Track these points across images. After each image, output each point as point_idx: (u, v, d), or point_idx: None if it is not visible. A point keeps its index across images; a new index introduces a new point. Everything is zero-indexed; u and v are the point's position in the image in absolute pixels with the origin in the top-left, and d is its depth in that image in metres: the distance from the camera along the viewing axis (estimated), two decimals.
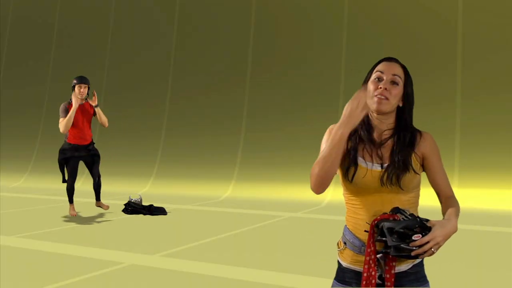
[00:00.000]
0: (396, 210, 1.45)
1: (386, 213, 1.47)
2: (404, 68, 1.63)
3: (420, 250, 1.38)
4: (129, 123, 11.32)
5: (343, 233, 1.64)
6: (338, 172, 1.63)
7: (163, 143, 10.85)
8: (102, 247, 4.84)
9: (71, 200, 6.80)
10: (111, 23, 12.30)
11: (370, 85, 1.59)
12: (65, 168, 6.78)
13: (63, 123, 6.57)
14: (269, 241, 5.20)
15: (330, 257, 4.31)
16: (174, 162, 10.42)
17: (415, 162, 1.56)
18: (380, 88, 1.56)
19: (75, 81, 6.75)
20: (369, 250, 1.48)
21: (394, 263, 1.49)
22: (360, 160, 1.58)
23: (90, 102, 6.80)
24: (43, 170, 11.89)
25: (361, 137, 1.61)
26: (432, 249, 1.38)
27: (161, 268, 4.05)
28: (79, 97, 6.66)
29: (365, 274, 1.48)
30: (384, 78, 1.58)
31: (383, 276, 1.51)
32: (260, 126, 9.84)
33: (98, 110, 6.83)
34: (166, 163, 10.60)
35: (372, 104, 1.56)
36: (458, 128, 8.10)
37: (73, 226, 6.05)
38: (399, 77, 1.59)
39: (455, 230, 1.43)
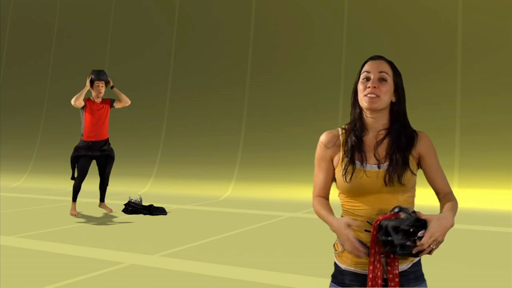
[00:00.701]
0: (399, 209, 1.45)
1: (387, 213, 1.47)
2: (390, 63, 1.64)
3: (421, 248, 1.38)
4: (129, 123, 11.32)
5: None
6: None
7: (163, 143, 10.86)
8: (102, 247, 4.84)
9: (74, 199, 6.73)
10: (111, 23, 12.30)
11: (360, 86, 1.62)
12: (76, 166, 6.71)
13: (74, 98, 6.58)
14: (269, 241, 5.20)
15: (330, 257, 4.31)
16: (174, 162, 10.42)
17: (412, 162, 1.57)
18: (369, 87, 1.57)
19: (92, 81, 6.68)
20: (373, 251, 1.48)
21: (397, 263, 1.49)
22: (357, 163, 1.58)
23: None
24: (43, 170, 11.90)
25: (357, 138, 1.61)
26: (432, 246, 1.38)
27: (161, 268, 4.05)
28: (99, 94, 6.65)
29: (370, 275, 1.47)
30: (372, 77, 1.59)
31: (385, 276, 1.51)
32: (260, 126, 9.84)
33: (116, 91, 6.80)
34: (166, 163, 10.60)
35: (364, 103, 1.58)
36: (458, 128, 8.10)
37: (73, 226, 6.05)
38: (386, 73, 1.59)
39: (451, 224, 1.43)
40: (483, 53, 8.11)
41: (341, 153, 1.63)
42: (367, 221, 1.53)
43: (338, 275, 1.64)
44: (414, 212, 1.44)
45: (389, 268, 1.49)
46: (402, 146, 1.57)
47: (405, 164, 1.55)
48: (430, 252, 1.41)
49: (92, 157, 6.71)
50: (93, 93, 6.72)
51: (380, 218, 1.46)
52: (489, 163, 7.67)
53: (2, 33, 14.45)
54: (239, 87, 10.23)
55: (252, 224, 6.25)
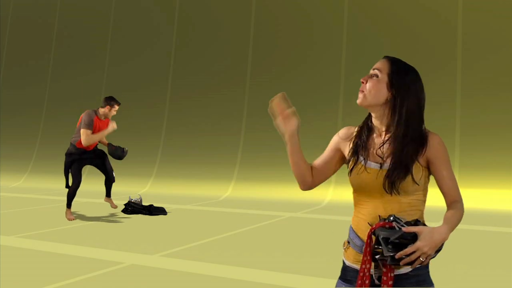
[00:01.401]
0: (393, 218, 1.44)
1: (383, 220, 1.46)
2: (393, 62, 1.60)
3: (407, 260, 1.37)
4: (129, 123, 11.32)
5: (348, 232, 1.65)
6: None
7: (163, 143, 10.86)
8: (102, 247, 4.84)
9: (69, 205, 6.59)
10: (111, 23, 12.30)
11: None
12: (70, 173, 6.70)
13: (89, 138, 6.40)
14: (269, 241, 5.20)
15: (330, 257, 4.32)
16: (174, 162, 10.42)
17: (417, 170, 1.52)
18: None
19: (113, 102, 6.71)
20: (365, 258, 1.48)
21: (393, 266, 1.48)
22: (360, 157, 1.59)
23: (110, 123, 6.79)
24: (43, 170, 11.90)
25: (363, 135, 1.62)
26: (421, 258, 1.37)
27: (161, 268, 4.05)
28: (109, 114, 6.71)
29: (359, 282, 1.49)
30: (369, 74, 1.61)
31: (385, 278, 1.50)
32: (260, 126, 9.83)
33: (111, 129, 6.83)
34: (166, 163, 10.60)
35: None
36: (458, 128, 8.10)
37: (73, 226, 6.05)
38: (378, 70, 1.58)
39: (443, 238, 1.40)
40: (483, 53, 8.11)
41: (350, 146, 1.65)
42: (368, 223, 1.53)
43: (343, 271, 1.65)
44: (407, 223, 1.43)
45: (384, 270, 1.49)
46: (406, 151, 1.51)
47: (406, 172, 1.50)
48: (421, 264, 1.40)
49: (86, 160, 6.74)
50: (107, 113, 6.71)
51: (374, 226, 1.45)
52: (489, 163, 7.67)
53: (2, 33, 14.45)
54: (239, 87, 10.23)
55: (252, 224, 6.25)
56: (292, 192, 8.63)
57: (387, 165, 1.54)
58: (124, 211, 7.12)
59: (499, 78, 7.92)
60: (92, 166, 7.01)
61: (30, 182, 11.64)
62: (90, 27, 12.63)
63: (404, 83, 1.57)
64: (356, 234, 1.59)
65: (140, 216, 6.93)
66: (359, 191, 1.60)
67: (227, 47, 10.54)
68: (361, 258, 1.54)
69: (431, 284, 1.56)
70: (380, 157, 1.56)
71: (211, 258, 4.38)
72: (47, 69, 13.27)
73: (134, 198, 7.23)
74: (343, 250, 1.66)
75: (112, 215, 7.05)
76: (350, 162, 1.61)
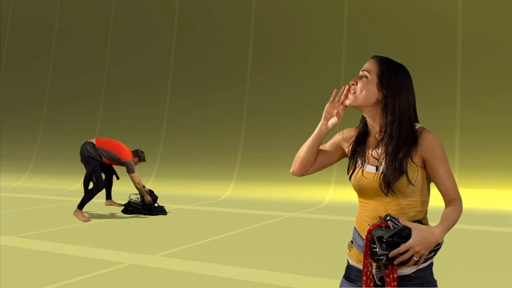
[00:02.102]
0: (388, 217, 1.44)
1: (381, 220, 1.47)
2: (381, 61, 1.59)
3: (400, 259, 1.37)
4: (129, 123, 11.33)
5: (353, 232, 1.66)
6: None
7: (163, 143, 10.86)
8: (102, 247, 4.84)
9: (83, 207, 6.57)
10: (111, 23, 12.30)
11: None
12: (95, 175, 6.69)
13: (140, 185, 6.89)
14: (269, 241, 5.20)
15: (330, 257, 4.32)
16: (174, 162, 10.43)
17: (412, 169, 1.50)
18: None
19: (143, 155, 7.14)
20: (366, 261, 1.48)
21: (395, 267, 1.49)
22: (358, 161, 1.60)
23: None
24: (43, 170, 11.90)
25: (360, 138, 1.63)
26: (414, 258, 1.37)
27: (161, 268, 4.05)
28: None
29: (364, 285, 1.49)
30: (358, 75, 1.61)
31: (387, 279, 1.51)
32: (260, 126, 9.84)
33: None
34: (166, 163, 10.61)
35: None
36: (458, 128, 8.10)
37: (73, 226, 6.05)
38: (367, 70, 1.57)
39: (436, 238, 1.38)
40: (483, 53, 8.11)
41: (349, 149, 1.67)
42: (368, 224, 1.55)
43: (347, 270, 1.67)
44: (402, 221, 1.43)
45: (387, 271, 1.49)
46: (399, 151, 1.50)
47: (400, 172, 1.49)
48: (415, 263, 1.40)
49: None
50: (135, 163, 6.98)
51: (371, 227, 1.46)
52: (489, 163, 7.67)
53: (2, 33, 14.45)
54: (239, 87, 10.23)
55: (252, 224, 6.25)
56: (292, 192, 8.64)
57: (382, 168, 1.54)
58: (124, 211, 7.13)
59: (499, 78, 7.93)
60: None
61: (30, 182, 11.64)
62: (90, 27, 12.64)
63: (394, 82, 1.55)
64: (359, 234, 1.60)
65: (140, 216, 6.93)
66: (360, 194, 1.61)
67: (227, 47, 10.54)
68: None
69: (435, 285, 1.56)
70: (376, 159, 1.56)
71: (211, 258, 4.38)
72: (47, 69, 13.27)
73: (134, 198, 7.23)
74: (348, 249, 1.67)
75: (112, 215, 7.05)
76: (350, 167, 1.62)
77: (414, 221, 1.46)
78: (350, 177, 1.62)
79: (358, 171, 1.59)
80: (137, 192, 7.04)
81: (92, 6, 12.70)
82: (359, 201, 1.64)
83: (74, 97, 12.51)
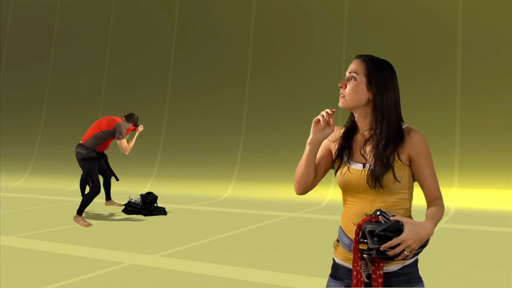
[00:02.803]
0: (379, 212, 1.45)
1: (370, 215, 1.47)
2: (367, 60, 1.60)
3: (391, 253, 1.37)
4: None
5: (338, 231, 1.67)
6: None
7: (163, 143, 10.86)
8: (102, 247, 4.84)
9: (82, 212, 6.27)
10: (111, 23, 12.30)
11: None
12: (92, 178, 6.51)
13: (128, 148, 6.50)
14: (269, 241, 5.20)
15: (330, 257, 4.31)
16: (174, 162, 10.42)
17: (398, 165, 1.52)
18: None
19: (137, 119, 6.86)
20: (355, 256, 1.49)
21: (381, 264, 1.49)
22: (344, 158, 1.62)
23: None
24: (43, 170, 11.90)
25: (347, 136, 1.65)
26: (405, 252, 1.37)
27: (161, 268, 4.05)
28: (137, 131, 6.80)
29: (354, 281, 1.49)
30: (345, 77, 1.62)
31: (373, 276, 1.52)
32: (260, 126, 9.84)
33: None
34: (166, 163, 10.60)
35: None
36: (458, 128, 8.10)
37: (73, 226, 6.05)
38: (355, 72, 1.59)
39: (428, 233, 1.40)
40: (483, 53, 8.11)
41: (335, 147, 1.68)
42: (353, 223, 1.55)
43: (333, 268, 1.68)
44: (393, 216, 1.43)
45: (373, 268, 1.50)
46: (387, 147, 1.52)
47: (387, 167, 1.50)
48: (404, 258, 1.39)
49: (99, 163, 6.67)
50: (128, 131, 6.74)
51: (361, 221, 1.46)
52: (489, 163, 7.67)
53: (2, 33, 14.45)
54: (239, 87, 10.23)
55: (252, 224, 6.25)
56: (292, 192, 8.63)
57: (369, 165, 1.55)
58: (124, 211, 7.13)
59: (499, 78, 7.92)
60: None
61: (30, 182, 11.64)
62: (90, 27, 12.64)
63: (382, 81, 1.57)
64: (345, 233, 1.61)
65: (140, 216, 6.93)
66: (345, 191, 1.62)
67: (227, 47, 10.54)
68: (350, 256, 1.56)
69: (421, 281, 1.57)
70: (364, 157, 1.57)
71: (211, 258, 4.38)
72: (47, 69, 13.27)
73: (134, 198, 7.23)
74: (333, 248, 1.68)
75: (112, 215, 7.05)
76: (336, 163, 1.64)
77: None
78: (335, 173, 1.63)
79: (344, 168, 1.60)
80: (137, 192, 7.02)
81: (92, 6, 12.70)
82: (344, 199, 1.65)
83: (74, 97, 12.51)
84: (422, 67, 8.37)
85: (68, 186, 10.78)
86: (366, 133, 1.60)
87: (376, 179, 1.50)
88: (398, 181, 1.51)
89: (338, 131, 1.70)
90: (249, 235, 5.52)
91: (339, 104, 1.61)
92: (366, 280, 1.51)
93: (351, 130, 1.65)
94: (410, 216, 1.57)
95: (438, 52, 8.45)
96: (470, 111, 8.05)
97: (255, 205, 8.02)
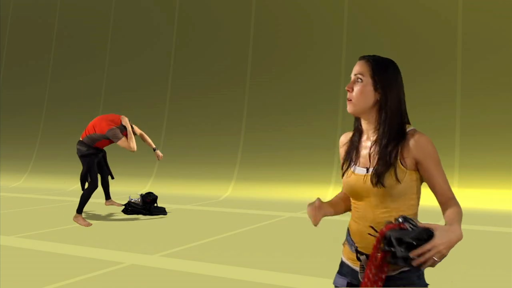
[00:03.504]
0: (403, 219, 1.38)
1: (392, 222, 1.40)
2: (371, 61, 1.56)
3: (422, 259, 1.30)
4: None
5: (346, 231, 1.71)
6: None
7: (163, 143, 10.85)
8: (102, 247, 4.84)
9: (82, 210, 6.31)
10: (111, 23, 12.30)
11: None
12: (91, 174, 6.50)
13: (131, 145, 6.40)
14: (269, 241, 5.20)
15: (330, 257, 4.31)
16: (174, 162, 10.42)
17: (400, 170, 1.49)
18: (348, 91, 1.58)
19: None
20: (372, 265, 1.44)
21: (386, 268, 1.45)
22: (349, 163, 1.62)
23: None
24: (43, 170, 11.90)
25: (353, 140, 1.64)
26: (434, 258, 1.31)
27: (161, 268, 4.05)
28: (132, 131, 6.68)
29: (366, 282, 1.47)
30: (351, 80, 1.59)
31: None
32: (260, 126, 9.84)
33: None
34: (166, 163, 10.59)
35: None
36: (458, 128, 8.10)
37: (73, 226, 6.05)
38: (360, 74, 1.55)
39: (459, 238, 1.35)
40: (483, 53, 8.11)
41: (342, 152, 1.70)
42: (371, 226, 1.51)
43: (340, 266, 1.70)
44: (418, 222, 1.37)
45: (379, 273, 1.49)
46: (387, 145, 1.50)
47: (388, 165, 1.48)
48: (432, 265, 1.32)
49: (99, 159, 6.65)
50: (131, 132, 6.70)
51: (384, 228, 1.40)
52: (489, 163, 7.67)
53: (2, 33, 14.45)
54: (239, 87, 10.23)
55: (252, 224, 6.25)
56: (292, 192, 8.64)
57: (373, 168, 1.53)
58: (124, 211, 7.13)
59: (499, 78, 7.92)
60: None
61: (30, 182, 11.64)
62: (90, 27, 12.64)
63: (387, 80, 1.54)
64: (349, 235, 1.63)
65: (140, 216, 6.93)
66: (350, 195, 1.63)
67: (227, 47, 10.54)
68: (353, 256, 1.58)
69: (424, 285, 1.55)
70: (367, 160, 1.56)
71: (211, 258, 4.38)
72: (47, 69, 13.27)
73: (134, 198, 7.23)
74: (342, 245, 1.71)
75: (112, 215, 7.05)
76: (342, 168, 1.65)
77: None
78: (342, 177, 1.65)
79: (349, 172, 1.60)
80: (137, 192, 7.01)
81: (92, 6, 12.70)
82: (351, 202, 1.65)
83: (74, 97, 12.51)
84: (422, 67, 8.36)
85: (68, 186, 10.78)
86: (371, 136, 1.58)
87: (378, 177, 1.48)
88: (399, 181, 1.48)
89: (347, 136, 1.71)
90: (249, 235, 5.51)
91: (348, 109, 1.58)
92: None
93: (358, 134, 1.64)
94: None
95: (438, 52, 8.45)
96: (470, 111, 8.05)
97: (255, 205, 8.02)
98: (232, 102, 10.24)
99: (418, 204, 1.56)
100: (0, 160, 12.97)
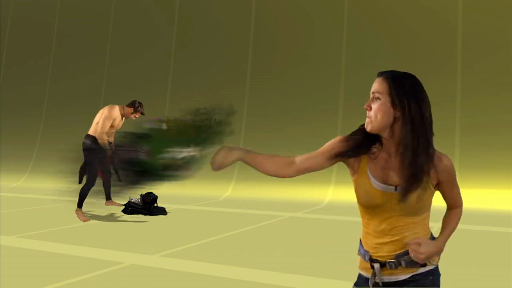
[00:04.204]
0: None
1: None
2: (388, 78, 1.54)
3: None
4: (129, 123, 11.31)
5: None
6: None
7: None
8: (102, 247, 4.84)
9: (81, 205, 6.40)
10: (111, 23, 12.29)
11: None
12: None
13: (102, 135, 6.51)
14: (269, 241, 5.20)
15: (330, 257, 4.32)
16: None
17: (430, 190, 1.54)
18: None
19: (140, 108, 6.75)
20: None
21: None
22: (370, 177, 1.58)
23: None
24: (43, 170, 11.89)
25: (376, 159, 1.59)
26: (412, 257, 1.52)
27: (161, 268, 4.05)
28: (129, 116, 6.76)
29: None
30: (370, 98, 1.57)
31: (380, 283, 1.57)
32: (260, 126, 9.84)
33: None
34: None
35: None
36: (458, 128, 8.10)
37: (73, 226, 6.05)
38: (378, 92, 1.53)
39: (439, 252, 1.56)
40: (483, 53, 8.11)
41: (362, 165, 1.61)
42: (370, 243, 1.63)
43: (357, 277, 1.71)
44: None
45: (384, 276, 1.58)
46: (415, 166, 1.48)
47: (418, 185, 1.49)
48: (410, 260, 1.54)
49: (101, 156, 6.63)
50: (128, 114, 6.71)
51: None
52: (489, 163, 7.67)
53: (2, 33, 14.45)
54: (239, 87, 10.23)
55: (252, 224, 6.25)
56: (292, 192, 8.63)
57: (394, 187, 1.54)
58: (124, 211, 7.13)
59: (499, 78, 7.92)
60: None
61: (30, 182, 11.64)
62: (90, 27, 12.63)
63: (406, 97, 1.52)
64: (362, 245, 1.66)
65: (140, 216, 6.93)
66: (367, 206, 1.60)
67: (227, 47, 10.54)
68: (366, 265, 1.62)
69: (436, 284, 1.60)
70: (391, 177, 1.55)
71: (211, 258, 4.38)
72: (47, 69, 13.27)
73: (134, 198, 7.23)
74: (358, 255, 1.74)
75: (112, 215, 7.05)
76: (358, 180, 1.60)
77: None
78: (358, 191, 1.59)
79: (368, 184, 1.57)
80: (137, 192, 7.00)
81: (92, 6, 12.70)
82: (362, 213, 1.64)
83: (74, 97, 12.51)
84: (422, 67, 8.36)
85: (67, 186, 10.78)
86: (393, 153, 1.56)
87: (406, 195, 1.49)
88: (423, 199, 1.53)
89: (350, 143, 1.61)
90: (249, 235, 5.51)
91: (366, 128, 1.55)
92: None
93: (379, 148, 1.59)
94: (429, 234, 1.61)
95: (438, 52, 8.45)
96: (470, 111, 8.05)
97: (255, 205, 8.02)
98: (232, 102, 10.19)
99: (429, 216, 1.64)
100: (0, 160, 12.96)
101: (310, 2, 9.75)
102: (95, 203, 7.55)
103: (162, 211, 7.09)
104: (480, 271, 3.95)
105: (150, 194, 7.20)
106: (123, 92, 11.76)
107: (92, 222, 6.37)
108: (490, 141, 7.78)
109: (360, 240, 1.67)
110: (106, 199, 7.11)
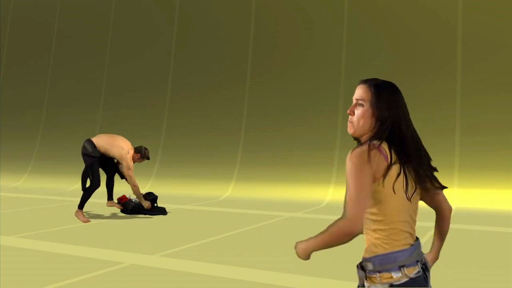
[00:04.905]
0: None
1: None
2: (372, 86, 1.60)
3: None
4: (129, 123, 11.32)
5: None
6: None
7: (163, 143, 10.86)
8: (102, 247, 4.84)
9: (83, 206, 6.51)
10: (111, 23, 12.30)
11: None
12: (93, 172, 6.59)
13: (136, 187, 6.74)
14: (269, 241, 5.20)
15: (330, 257, 4.32)
16: (174, 162, 10.42)
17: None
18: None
19: (146, 153, 6.93)
20: None
21: (367, 284, 1.59)
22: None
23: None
24: (43, 170, 11.90)
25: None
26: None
27: (161, 268, 4.05)
28: (138, 162, 6.95)
29: None
30: (352, 104, 1.66)
31: None
32: (260, 126, 9.84)
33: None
34: (166, 163, 10.60)
35: None
36: (458, 128, 8.10)
37: (73, 226, 6.06)
38: (361, 99, 1.60)
39: (299, 253, 1.69)
40: (483, 53, 8.11)
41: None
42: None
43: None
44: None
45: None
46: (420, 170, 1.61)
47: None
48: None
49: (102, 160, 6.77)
50: (136, 159, 6.87)
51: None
52: (489, 163, 7.67)
53: (2, 33, 14.45)
54: (239, 87, 10.23)
55: (252, 224, 6.25)
56: (292, 192, 8.64)
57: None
58: (124, 211, 7.13)
59: (499, 78, 7.93)
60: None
61: (30, 182, 11.64)
62: (90, 27, 12.64)
63: (386, 105, 1.58)
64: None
65: (140, 216, 6.93)
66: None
67: (227, 47, 10.54)
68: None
69: None
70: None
71: (211, 258, 4.38)
72: (47, 69, 13.27)
73: (134, 198, 7.23)
74: None
75: (112, 215, 7.05)
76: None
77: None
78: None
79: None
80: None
81: (92, 6, 12.70)
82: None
83: (74, 97, 12.51)
84: (422, 67, 8.37)
85: (68, 186, 10.79)
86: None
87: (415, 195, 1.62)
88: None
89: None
90: (249, 235, 5.52)
91: (348, 131, 1.65)
92: None
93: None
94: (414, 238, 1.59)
95: (438, 52, 8.46)
96: (470, 111, 8.06)
97: (255, 205, 8.02)
98: (232, 102, 10.24)
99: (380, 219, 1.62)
100: (0, 160, 12.97)
101: (310, 2, 9.76)
102: (95, 203, 7.56)
103: (162, 211, 7.10)
104: (480, 271, 3.95)
105: (150, 194, 7.21)
106: (123, 92, 11.77)
107: (92, 222, 6.37)
108: (490, 141, 7.78)
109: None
110: (108, 199, 7.12)
